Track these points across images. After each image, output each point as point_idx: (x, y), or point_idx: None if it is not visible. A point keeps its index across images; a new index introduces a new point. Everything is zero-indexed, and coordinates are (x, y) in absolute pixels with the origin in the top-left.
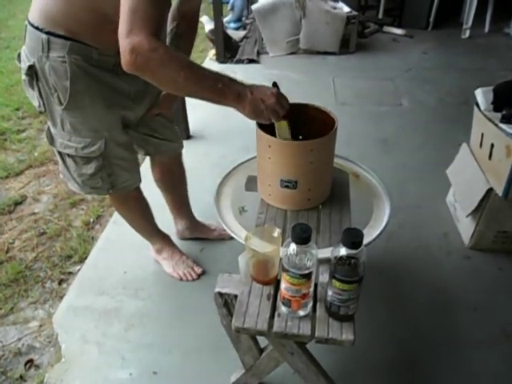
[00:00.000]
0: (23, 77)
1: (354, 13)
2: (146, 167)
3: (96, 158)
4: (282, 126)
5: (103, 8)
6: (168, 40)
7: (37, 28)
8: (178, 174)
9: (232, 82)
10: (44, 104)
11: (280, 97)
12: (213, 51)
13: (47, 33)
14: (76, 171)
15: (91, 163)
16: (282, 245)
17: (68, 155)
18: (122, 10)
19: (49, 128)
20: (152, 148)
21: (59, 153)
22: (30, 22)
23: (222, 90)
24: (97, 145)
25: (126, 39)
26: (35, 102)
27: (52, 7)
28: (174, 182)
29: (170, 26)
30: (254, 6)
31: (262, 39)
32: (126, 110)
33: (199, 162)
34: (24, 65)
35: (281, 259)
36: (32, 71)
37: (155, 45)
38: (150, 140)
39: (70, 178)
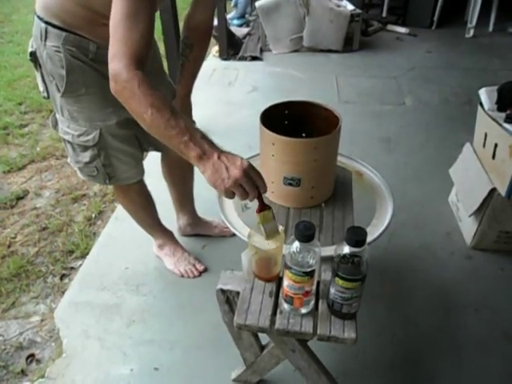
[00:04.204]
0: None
1: (358, 11)
2: (151, 163)
3: (91, 147)
4: (265, 218)
5: (91, 5)
6: (180, 50)
7: (38, 17)
8: (187, 168)
9: (203, 139)
10: (47, 90)
11: (250, 174)
12: (216, 48)
13: (46, 22)
14: (73, 158)
15: (87, 152)
16: (284, 242)
17: (68, 141)
18: (110, 33)
19: (54, 113)
20: (164, 144)
21: (62, 138)
22: (35, 11)
23: (186, 143)
24: (91, 134)
25: (110, 64)
26: (40, 88)
27: None
28: (183, 176)
29: (181, 35)
30: (257, 3)
31: (266, 36)
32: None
33: None
34: (28, 50)
35: (283, 256)
36: (35, 57)
37: (131, 75)
38: None
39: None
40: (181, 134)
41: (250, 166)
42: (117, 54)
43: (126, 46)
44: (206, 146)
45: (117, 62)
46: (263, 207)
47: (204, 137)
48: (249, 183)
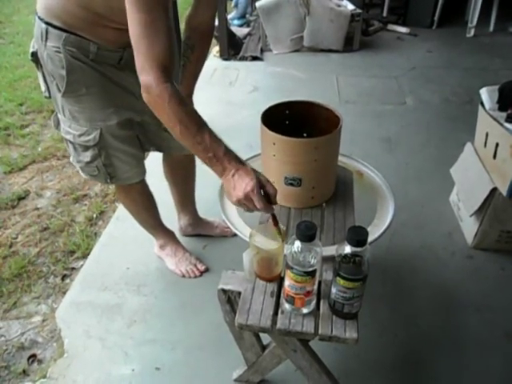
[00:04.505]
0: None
1: (359, 10)
2: (153, 163)
3: (92, 147)
4: (275, 232)
5: (93, 7)
6: (181, 51)
7: (39, 17)
8: (189, 168)
9: (226, 155)
10: (48, 90)
11: (251, 197)
12: (216, 48)
13: (46, 23)
14: (75, 157)
15: (88, 151)
16: (286, 242)
17: (69, 141)
18: (133, 46)
19: (56, 113)
20: (165, 144)
21: (64, 138)
22: (36, 12)
23: (210, 160)
24: (92, 134)
25: (140, 76)
26: (42, 87)
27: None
28: (185, 176)
29: (183, 36)
30: (258, 3)
31: (266, 36)
32: (130, 106)
33: None
34: (30, 51)
35: (285, 256)
36: (36, 58)
37: (161, 88)
38: (166, 137)
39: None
40: (206, 151)
41: (253, 191)
42: (144, 66)
43: (151, 58)
44: (226, 162)
45: (146, 75)
46: (273, 222)
47: (226, 153)
48: (250, 204)
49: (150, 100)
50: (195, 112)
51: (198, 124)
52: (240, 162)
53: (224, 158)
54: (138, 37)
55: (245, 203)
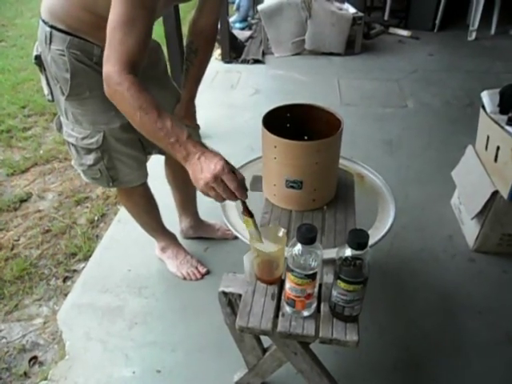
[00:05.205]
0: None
1: (360, 14)
2: (155, 166)
3: (95, 150)
4: (247, 223)
5: (96, 10)
6: (184, 55)
7: (43, 21)
8: None
9: (189, 139)
10: (52, 93)
11: (222, 178)
12: (218, 51)
13: (50, 26)
14: (77, 160)
15: (91, 154)
16: (286, 245)
17: (72, 144)
18: (107, 36)
19: (59, 116)
20: None
21: (66, 141)
22: (40, 15)
23: (172, 145)
24: (95, 137)
25: (104, 66)
26: (45, 91)
27: (55, 3)
28: (186, 178)
29: (186, 41)
30: (259, 7)
31: (268, 39)
32: None
33: None
34: (33, 54)
35: (285, 259)
36: (39, 61)
37: (122, 79)
38: None
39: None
40: (167, 136)
41: (224, 170)
42: (111, 57)
43: (121, 52)
44: (190, 146)
45: (110, 66)
46: (246, 213)
47: (189, 137)
48: (220, 187)
49: (110, 91)
50: (155, 100)
51: (158, 110)
52: (204, 146)
53: (187, 141)
54: (113, 28)
55: (213, 186)
